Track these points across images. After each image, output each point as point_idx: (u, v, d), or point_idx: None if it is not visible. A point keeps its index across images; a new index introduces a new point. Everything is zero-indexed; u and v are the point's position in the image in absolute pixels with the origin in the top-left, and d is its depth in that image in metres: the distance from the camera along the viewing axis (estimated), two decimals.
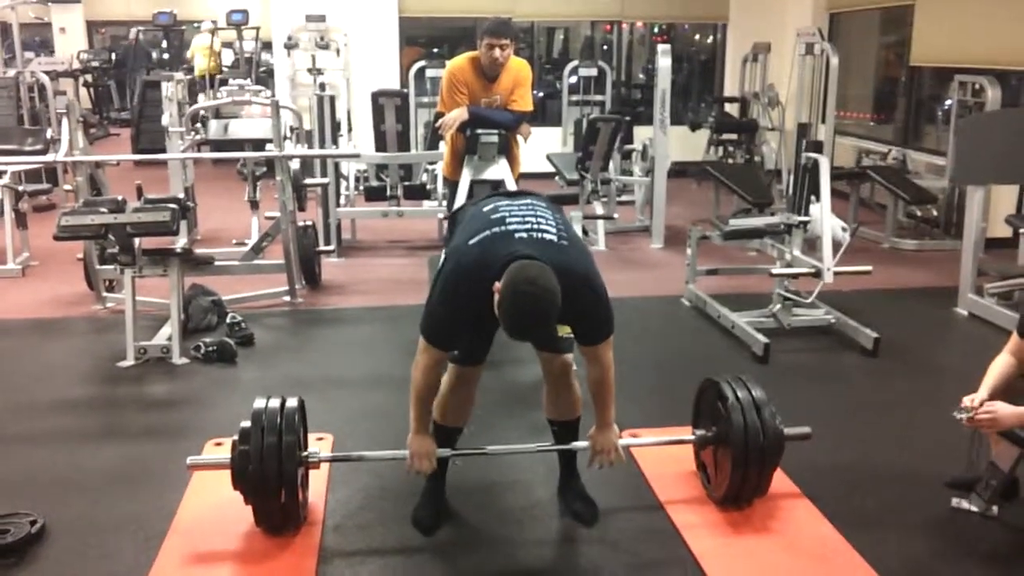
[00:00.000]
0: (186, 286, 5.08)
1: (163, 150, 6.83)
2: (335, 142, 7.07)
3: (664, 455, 3.39)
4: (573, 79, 10.68)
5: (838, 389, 4.37)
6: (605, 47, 11.95)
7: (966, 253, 5.54)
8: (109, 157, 7.82)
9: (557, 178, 7.82)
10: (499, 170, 4.88)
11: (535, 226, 2.64)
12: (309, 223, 6.12)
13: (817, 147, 5.28)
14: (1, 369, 4.58)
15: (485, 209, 2.78)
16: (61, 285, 5.95)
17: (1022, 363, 3.00)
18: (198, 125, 7.18)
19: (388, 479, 3.28)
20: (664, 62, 7.18)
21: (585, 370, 2.85)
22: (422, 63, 9.92)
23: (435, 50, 11.64)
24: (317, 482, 3.20)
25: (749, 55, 10.16)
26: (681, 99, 11.79)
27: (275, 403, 2.91)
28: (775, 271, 5.09)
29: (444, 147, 5.12)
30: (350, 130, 9.57)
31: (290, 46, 9.96)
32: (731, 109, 10.66)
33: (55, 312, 5.48)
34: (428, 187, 7.50)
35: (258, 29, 13.51)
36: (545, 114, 11.25)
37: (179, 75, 7.76)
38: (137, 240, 4.60)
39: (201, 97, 10.62)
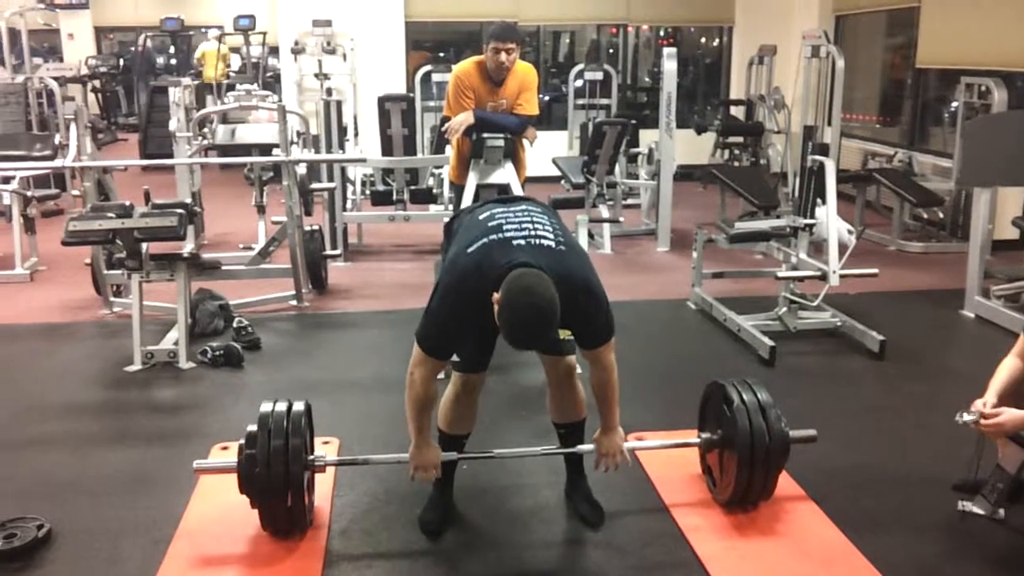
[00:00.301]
0: (193, 290, 5.10)
1: (170, 155, 6.85)
2: (341, 147, 7.08)
3: (670, 458, 3.39)
4: (579, 83, 10.69)
5: (844, 392, 4.36)
6: (611, 50, 11.96)
7: (973, 255, 5.52)
8: (117, 162, 7.85)
9: (563, 181, 7.82)
10: (505, 174, 4.89)
11: (532, 232, 2.62)
12: (316, 227, 6.13)
13: (823, 150, 5.27)
14: (9, 373, 4.60)
15: (481, 216, 2.75)
16: (69, 290, 5.97)
17: None
18: (205, 130, 7.20)
19: (394, 483, 3.28)
20: (670, 65, 7.18)
21: (588, 373, 2.86)
22: (428, 67, 9.95)
23: (441, 54, 11.66)
24: (323, 486, 3.20)
25: (755, 58, 10.17)
26: (687, 102, 11.81)
27: (282, 407, 2.92)
28: (781, 274, 5.09)
29: (450, 151, 5.14)
30: (356, 134, 9.60)
31: (297, 51, 9.99)
32: (737, 112, 10.67)
33: (63, 317, 5.50)
34: (434, 191, 7.51)
35: (265, 34, 13.56)
36: (551, 118, 11.27)
37: (186, 80, 7.79)
38: (144, 245, 4.61)
39: (209, 103, 10.67)
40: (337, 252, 6.64)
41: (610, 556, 2.90)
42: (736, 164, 9.75)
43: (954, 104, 7.64)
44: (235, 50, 14.02)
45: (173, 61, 16.20)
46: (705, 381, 3.29)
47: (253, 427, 2.85)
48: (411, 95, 8.81)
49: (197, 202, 6.59)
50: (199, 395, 4.29)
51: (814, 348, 4.95)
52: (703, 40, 12.72)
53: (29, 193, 6.64)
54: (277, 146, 5.64)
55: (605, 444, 2.94)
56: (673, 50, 7.27)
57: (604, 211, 7.34)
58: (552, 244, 2.62)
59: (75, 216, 4.70)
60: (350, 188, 7.76)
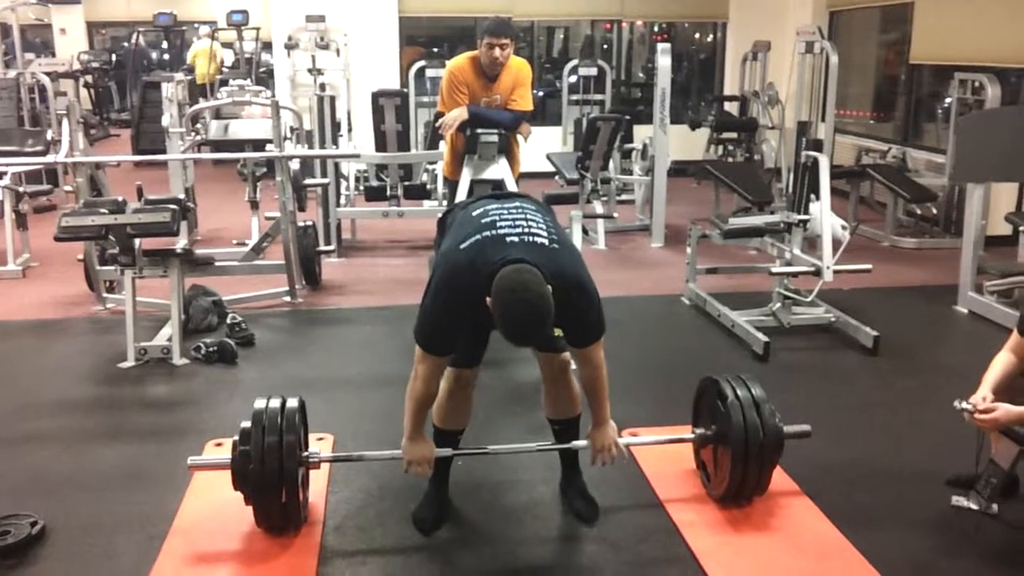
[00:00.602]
0: (186, 287, 5.09)
1: (163, 151, 6.84)
2: (335, 142, 7.07)
3: (664, 454, 3.39)
4: (573, 78, 10.69)
5: (838, 387, 4.37)
6: (605, 46, 11.95)
7: (966, 251, 5.54)
8: (109, 158, 7.84)
9: (557, 177, 7.83)
10: (499, 170, 4.88)
11: (526, 229, 2.62)
12: (309, 223, 6.12)
13: (817, 145, 5.29)
14: (2, 370, 4.59)
15: (474, 213, 2.75)
16: (61, 286, 5.96)
17: (1022, 361, 3.00)
18: (198, 126, 7.18)
19: (388, 479, 3.28)
20: (664, 61, 7.19)
21: (578, 371, 2.86)
22: (422, 63, 9.94)
23: (435, 50, 11.64)
24: (318, 482, 3.20)
25: (749, 54, 10.17)
26: (681, 98, 11.80)
27: (275, 403, 2.91)
28: (775, 270, 5.10)
29: (444, 147, 5.13)
30: (350, 130, 9.58)
31: (290, 46, 9.96)
32: (731, 108, 10.67)
33: (56, 313, 5.48)
34: (428, 187, 7.50)
35: (258, 29, 13.51)
36: (545, 113, 11.27)
37: (179, 76, 7.76)
38: (137, 241, 4.61)
39: (202, 101, 10.61)
40: (331, 248, 6.63)
41: (605, 552, 2.90)
42: (730, 160, 9.78)
43: (948, 100, 7.66)
44: (228, 45, 13.98)
45: (166, 56, 16.16)
46: (699, 377, 3.29)
47: (247, 423, 2.85)
48: (405, 91, 8.77)
49: (190, 198, 6.56)
50: (193, 391, 4.28)
51: (808, 344, 4.96)
52: (697, 36, 12.72)
53: (21, 189, 6.62)
54: (270, 142, 5.63)
55: (599, 439, 2.94)
56: (667, 46, 7.27)
57: (598, 207, 7.35)
58: (545, 242, 2.61)
59: (68, 212, 4.68)
60: (344, 184, 7.75)
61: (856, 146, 8.98)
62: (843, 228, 5.22)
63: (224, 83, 9.99)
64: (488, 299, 2.45)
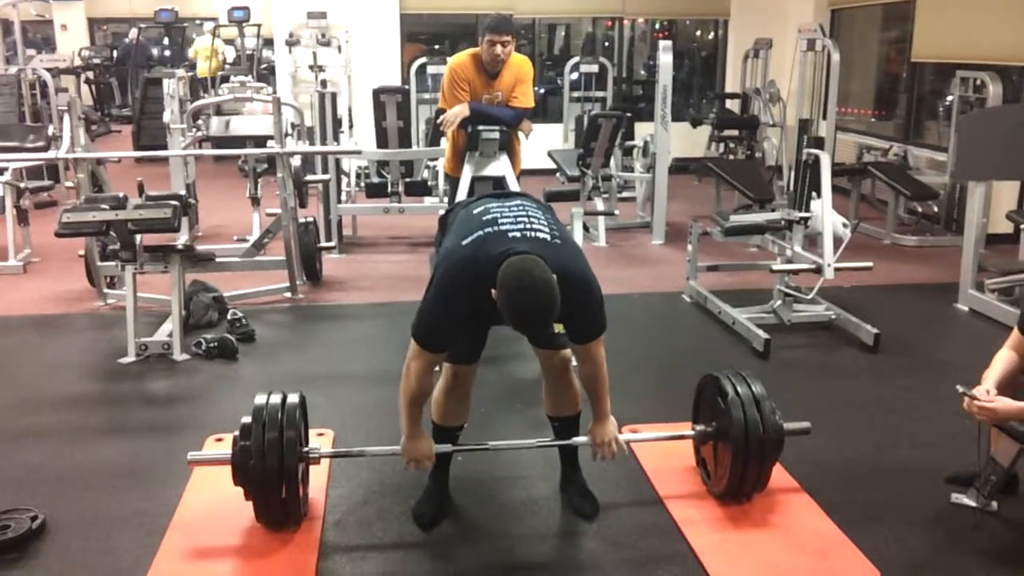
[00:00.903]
0: (187, 282, 5.09)
1: (164, 147, 6.82)
2: (336, 139, 7.07)
3: (664, 450, 3.39)
4: (574, 75, 10.68)
5: (838, 385, 4.37)
6: (606, 43, 11.96)
7: (967, 249, 5.53)
8: (110, 154, 7.81)
9: (558, 174, 7.82)
10: (500, 166, 4.88)
11: (528, 226, 2.63)
12: (310, 219, 6.12)
13: (818, 143, 5.28)
14: (3, 365, 4.59)
15: (476, 211, 2.76)
16: (62, 282, 5.96)
17: (1023, 359, 3.00)
18: (199, 122, 7.18)
19: (389, 475, 3.28)
20: (665, 58, 7.18)
21: (578, 368, 2.86)
22: (423, 59, 9.93)
23: (436, 47, 11.63)
24: (318, 478, 3.20)
25: (750, 51, 10.16)
26: (682, 95, 11.79)
27: (276, 399, 2.92)
28: (776, 267, 5.10)
29: (445, 143, 5.13)
30: (351, 127, 9.57)
31: (291, 43, 9.95)
32: (732, 105, 10.66)
33: (56, 309, 5.49)
34: (429, 183, 7.50)
35: (259, 26, 13.50)
36: (546, 110, 11.27)
37: (180, 72, 7.76)
38: (138, 237, 4.61)
39: (202, 96, 10.60)
40: (332, 244, 6.63)
41: (605, 548, 2.90)
42: (731, 157, 9.77)
43: (949, 98, 7.65)
44: (229, 42, 13.97)
45: (167, 53, 16.15)
46: (699, 374, 3.29)
47: (247, 419, 2.85)
48: (406, 87, 8.79)
49: (191, 194, 6.56)
50: (193, 387, 4.28)
51: (808, 341, 4.96)
52: (699, 33, 12.71)
53: (22, 184, 6.62)
54: (272, 138, 5.63)
55: (599, 434, 2.94)
56: (669, 43, 7.26)
57: (599, 204, 7.35)
58: (547, 237, 2.62)
59: (69, 208, 4.68)
60: (345, 180, 7.76)
61: (857, 144, 8.97)
62: (844, 226, 5.22)
63: (225, 79, 10.00)
64: (493, 291, 2.46)
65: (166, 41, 16.33)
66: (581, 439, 3.06)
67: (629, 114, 8.35)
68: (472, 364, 2.98)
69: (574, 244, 2.80)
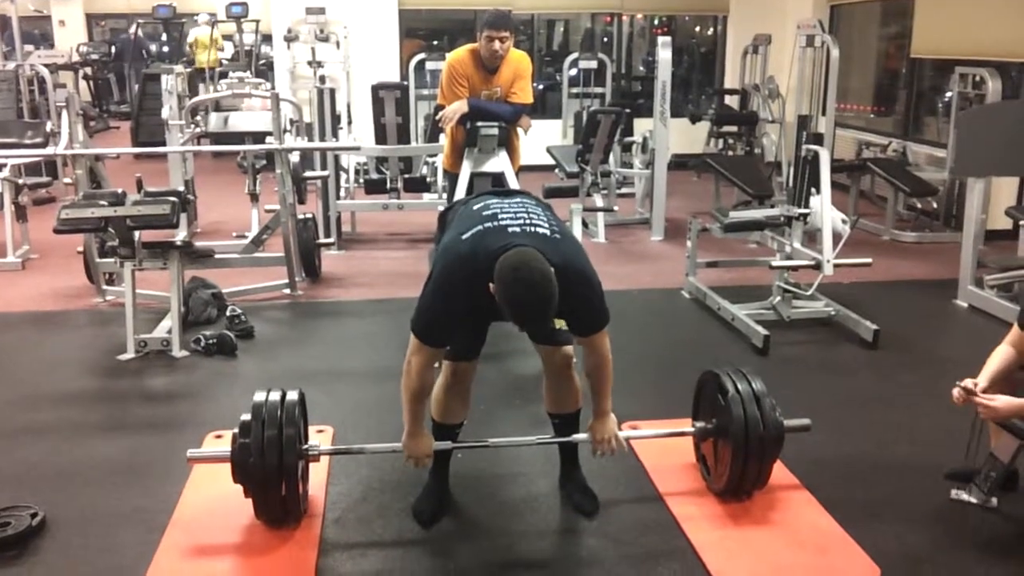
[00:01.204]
0: (186, 279, 5.08)
1: (163, 143, 6.82)
2: (335, 135, 7.06)
3: (664, 447, 3.39)
4: (573, 71, 10.67)
5: (838, 381, 4.37)
6: (605, 39, 11.94)
7: (966, 245, 5.53)
8: (109, 150, 7.82)
9: (557, 170, 7.82)
10: (499, 162, 4.88)
11: (527, 221, 2.64)
12: (309, 216, 6.12)
13: (817, 139, 5.28)
14: (1, 363, 4.58)
15: (476, 208, 2.77)
16: (61, 278, 5.95)
17: (1022, 354, 2.99)
18: (198, 118, 7.17)
19: (388, 471, 3.28)
20: (664, 54, 7.17)
21: (583, 360, 2.86)
22: (422, 55, 9.92)
23: (435, 43, 11.63)
24: (317, 475, 3.20)
25: (749, 47, 10.15)
26: (681, 91, 11.79)
27: (275, 396, 2.91)
28: (775, 263, 5.10)
29: (444, 140, 5.12)
30: (350, 123, 9.57)
31: (290, 39, 9.94)
32: (731, 101, 10.66)
33: (55, 305, 5.48)
34: (428, 180, 7.49)
35: (258, 22, 13.50)
36: (545, 106, 11.25)
37: (179, 68, 7.74)
38: (137, 233, 4.60)
39: (201, 90, 10.62)
40: (330, 240, 6.63)
41: (605, 545, 2.90)
42: (730, 153, 9.77)
43: (948, 94, 7.64)
44: (228, 38, 13.95)
45: (165, 48, 16.13)
46: (699, 370, 3.29)
47: (247, 416, 2.84)
48: (405, 83, 8.78)
49: (190, 190, 6.56)
50: (192, 384, 4.28)
51: (808, 337, 4.96)
52: (697, 29, 12.70)
53: (21, 181, 6.61)
54: (270, 134, 5.62)
55: (599, 430, 2.95)
56: (668, 39, 7.27)
57: (598, 200, 7.34)
58: (547, 232, 2.63)
59: (67, 204, 4.68)
60: (344, 176, 7.74)
61: (856, 140, 8.97)
62: (843, 222, 5.22)
63: (224, 75, 9.99)
64: (491, 285, 2.46)
65: (164, 37, 16.30)
66: (581, 436, 3.06)
67: (628, 110, 8.33)
68: (472, 361, 2.98)
69: (573, 239, 2.80)
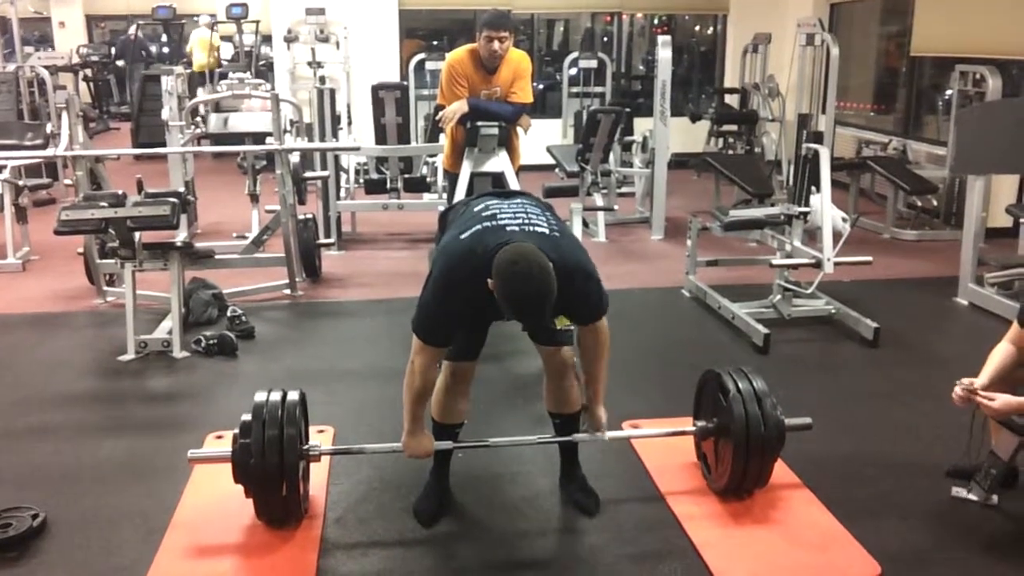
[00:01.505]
0: (186, 280, 5.08)
1: (163, 144, 6.82)
2: (335, 135, 7.06)
3: (665, 446, 3.39)
4: (573, 71, 10.67)
5: (838, 379, 4.37)
6: (605, 39, 11.94)
7: (966, 243, 5.53)
8: (109, 151, 7.80)
9: (557, 170, 7.82)
10: (499, 162, 4.88)
11: (526, 221, 2.66)
12: (309, 216, 6.12)
13: (817, 138, 5.28)
14: (2, 363, 4.58)
15: (475, 208, 2.79)
16: (61, 280, 5.95)
17: (1022, 352, 3.00)
18: (198, 119, 7.17)
19: (389, 471, 3.29)
20: (664, 53, 7.17)
21: (579, 340, 2.88)
22: (422, 56, 9.92)
23: (435, 43, 11.62)
24: (318, 475, 3.20)
25: (749, 46, 10.14)
26: (681, 90, 11.78)
27: (276, 396, 2.91)
28: (775, 262, 5.10)
29: (444, 140, 5.12)
30: (350, 123, 9.57)
31: (290, 39, 9.95)
32: (731, 100, 10.66)
33: (56, 306, 5.48)
34: (428, 180, 7.49)
35: (258, 23, 13.49)
36: (545, 106, 11.25)
37: (179, 69, 7.74)
38: (137, 234, 4.60)
39: (201, 92, 10.61)
40: (331, 241, 6.63)
41: (605, 544, 2.90)
42: (730, 152, 9.76)
43: (948, 92, 7.64)
44: (227, 38, 13.95)
45: (165, 50, 16.13)
46: (699, 369, 3.29)
47: (247, 416, 2.85)
48: (405, 83, 8.78)
49: (190, 191, 6.56)
50: (193, 384, 4.28)
51: (808, 336, 4.96)
52: (697, 28, 12.70)
53: (21, 182, 6.60)
54: (270, 134, 5.62)
55: (589, 420, 2.99)
56: (667, 38, 7.27)
57: (598, 199, 7.34)
58: (545, 231, 2.65)
59: (67, 205, 4.68)
60: (344, 177, 7.74)
61: (857, 138, 8.97)
62: (843, 220, 5.21)
63: (224, 76, 9.99)
64: (490, 281, 2.46)
65: (164, 38, 16.30)
66: (582, 435, 3.07)
67: (628, 109, 8.33)
68: (472, 361, 2.98)
69: (572, 237, 2.83)
